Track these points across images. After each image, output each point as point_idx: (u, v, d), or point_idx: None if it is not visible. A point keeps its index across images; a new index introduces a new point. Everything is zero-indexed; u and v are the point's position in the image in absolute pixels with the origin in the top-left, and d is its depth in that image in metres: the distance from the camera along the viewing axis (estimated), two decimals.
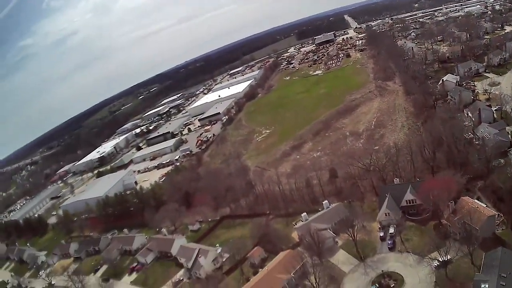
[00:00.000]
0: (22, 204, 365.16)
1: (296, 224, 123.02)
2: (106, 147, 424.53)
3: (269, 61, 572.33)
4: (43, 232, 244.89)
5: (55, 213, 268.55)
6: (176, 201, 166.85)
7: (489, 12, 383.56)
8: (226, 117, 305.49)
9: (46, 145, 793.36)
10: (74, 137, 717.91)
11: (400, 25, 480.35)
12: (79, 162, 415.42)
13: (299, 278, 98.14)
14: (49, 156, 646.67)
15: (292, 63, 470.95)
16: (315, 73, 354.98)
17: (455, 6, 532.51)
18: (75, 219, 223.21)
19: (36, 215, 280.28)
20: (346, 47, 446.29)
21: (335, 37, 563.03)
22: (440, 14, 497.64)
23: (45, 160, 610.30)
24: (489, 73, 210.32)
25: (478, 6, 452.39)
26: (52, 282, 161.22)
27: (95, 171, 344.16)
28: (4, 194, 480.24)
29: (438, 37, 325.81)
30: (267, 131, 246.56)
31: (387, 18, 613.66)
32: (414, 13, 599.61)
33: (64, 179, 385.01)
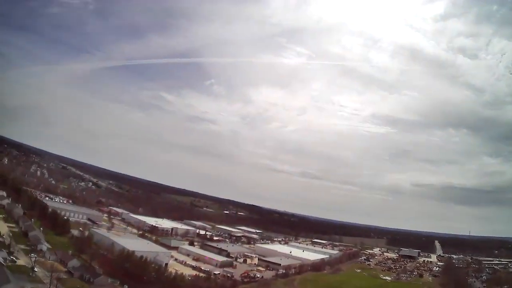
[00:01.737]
0: (62, 202, 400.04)
1: None
2: (164, 223, 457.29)
3: (352, 249, 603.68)
4: (60, 234, 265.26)
5: (81, 229, 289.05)
6: None
7: None
8: (284, 271, 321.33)
9: (118, 183, 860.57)
10: (145, 196, 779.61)
11: (476, 266, 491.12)
12: (134, 216, 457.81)
13: None
14: (115, 191, 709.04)
15: (370, 261, 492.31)
16: (384, 277, 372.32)
17: None
18: (94, 247, 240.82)
19: (65, 217, 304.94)
20: (423, 268, 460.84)
21: (418, 255, 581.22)
22: None
23: (108, 192, 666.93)
24: None
25: None
26: (35, 269, 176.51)
27: (140, 232, 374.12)
28: (53, 181, 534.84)
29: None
30: None
31: (468, 257, 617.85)
32: (491, 258, 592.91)
33: (111, 216, 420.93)
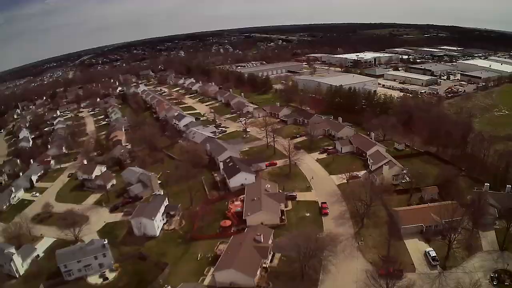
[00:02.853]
0: (256, 65, 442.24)
1: None
2: (366, 55, 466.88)
3: None
4: (263, 92, 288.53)
5: (284, 82, 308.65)
6: (398, 119, 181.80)
7: None
8: (484, 84, 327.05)
9: (310, 33, 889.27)
10: (340, 37, 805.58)
11: None
12: (335, 56, 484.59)
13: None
14: (308, 41, 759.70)
15: None
16: None
17: None
18: (301, 93, 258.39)
19: (264, 77, 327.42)
20: None
21: None
22: None
23: (301, 43, 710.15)
24: None
25: None
26: (248, 130, 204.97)
27: (342, 69, 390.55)
28: (240, 52, 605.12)
29: None
30: (507, 112, 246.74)
31: None
32: None
33: (311, 62, 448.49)
